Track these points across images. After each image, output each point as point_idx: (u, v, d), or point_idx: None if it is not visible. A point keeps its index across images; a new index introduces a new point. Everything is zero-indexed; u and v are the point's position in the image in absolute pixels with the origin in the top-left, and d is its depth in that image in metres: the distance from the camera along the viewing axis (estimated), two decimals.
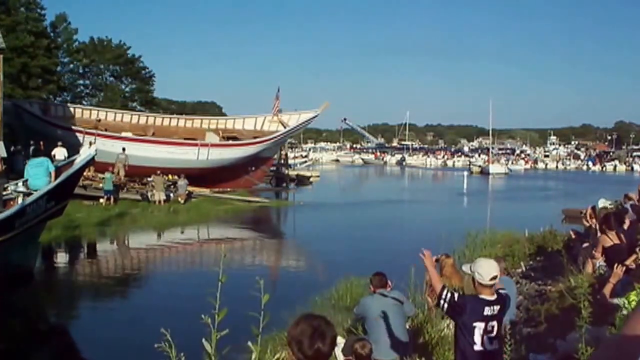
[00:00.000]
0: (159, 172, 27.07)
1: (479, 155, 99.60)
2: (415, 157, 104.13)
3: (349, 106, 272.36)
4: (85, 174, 20.56)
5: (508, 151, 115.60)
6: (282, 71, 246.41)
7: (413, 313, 7.06)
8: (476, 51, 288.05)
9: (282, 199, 35.99)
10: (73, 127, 30.13)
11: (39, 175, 13.92)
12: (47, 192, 13.37)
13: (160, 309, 11.42)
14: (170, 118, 38.42)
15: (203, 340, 2.99)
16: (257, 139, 35.26)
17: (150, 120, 36.41)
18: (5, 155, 23.67)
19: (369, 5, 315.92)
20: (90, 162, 15.79)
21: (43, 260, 15.90)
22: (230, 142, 35.03)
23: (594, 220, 10.38)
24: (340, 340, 5.99)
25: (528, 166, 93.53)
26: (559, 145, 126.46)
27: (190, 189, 28.47)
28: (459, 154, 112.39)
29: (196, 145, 32.36)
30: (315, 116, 38.24)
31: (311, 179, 47.77)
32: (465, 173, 65.05)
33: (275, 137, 35.81)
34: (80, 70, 53.14)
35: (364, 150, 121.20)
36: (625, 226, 9.15)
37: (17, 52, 36.06)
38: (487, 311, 4.46)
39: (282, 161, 43.97)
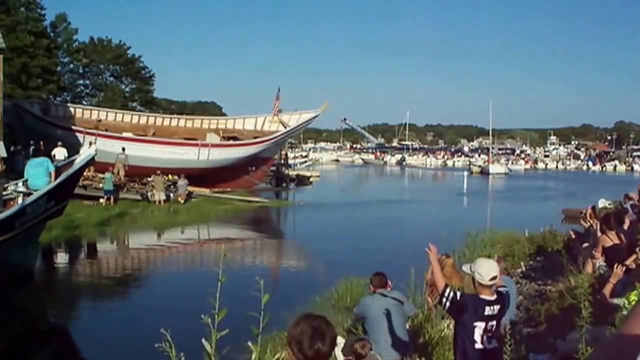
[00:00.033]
0: (159, 172, 27.07)
1: (479, 155, 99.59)
2: (415, 157, 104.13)
3: (349, 106, 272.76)
4: (85, 174, 20.56)
5: (508, 151, 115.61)
6: (282, 71, 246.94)
7: (413, 313, 7.07)
8: (476, 51, 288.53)
9: (282, 199, 35.99)
10: (73, 127, 30.12)
11: (39, 175, 13.92)
12: (47, 192, 13.37)
13: (160, 309, 11.41)
14: (171, 118, 38.40)
15: (203, 340, 2.99)
16: (258, 139, 35.26)
17: (150, 120, 36.40)
18: (5, 155, 23.67)
19: (369, 5, 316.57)
20: (90, 162, 15.79)
21: (43, 260, 15.90)
22: (231, 142, 35.03)
23: (594, 220, 10.39)
24: (340, 340, 5.99)
25: (528, 166, 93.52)
26: (559, 145, 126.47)
27: (190, 189, 28.47)
28: (459, 154, 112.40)
29: (197, 145, 32.35)
30: (316, 116, 38.24)
31: (311, 179, 47.77)
32: (465, 173, 65.05)
33: (275, 137, 35.80)
34: (80, 70, 53.12)
35: (364, 150, 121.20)
36: (625, 226, 9.16)
37: (17, 52, 36.05)
38: (488, 311, 4.48)
39: (282, 161, 43.98)
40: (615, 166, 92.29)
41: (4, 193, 13.90)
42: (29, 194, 13.53)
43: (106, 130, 31.59)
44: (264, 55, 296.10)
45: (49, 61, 41.09)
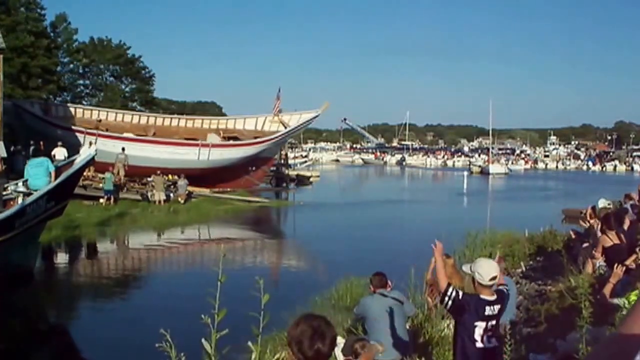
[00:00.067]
0: (159, 172, 27.08)
1: (479, 155, 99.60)
2: (415, 157, 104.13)
3: (349, 106, 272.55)
4: (85, 174, 20.56)
5: (508, 151, 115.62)
6: (282, 71, 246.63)
7: (413, 313, 7.06)
8: (476, 51, 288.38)
9: (282, 199, 35.99)
10: (74, 128, 30.12)
11: (39, 175, 13.92)
12: (47, 192, 13.37)
13: (160, 309, 11.42)
14: (171, 118, 38.39)
15: (203, 340, 2.99)
16: (258, 139, 35.25)
17: (151, 121, 36.39)
18: (5, 155, 23.67)
19: (369, 5, 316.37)
20: (90, 162, 15.79)
21: (43, 260, 15.90)
22: (231, 142, 35.03)
23: (594, 221, 10.39)
24: (340, 340, 5.98)
25: (528, 166, 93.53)
26: (559, 145, 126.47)
27: (190, 189, 28.48)
28: (459, 154, 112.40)
29: (197, 145, 32.36)
30: (316, 116, 38.23)
31: (311, 179, 47.77)
32: (465, 173, 65.05)
33: (276, 138, 35.79)
34: (80, 70, 53.12)
35: (364, 150, 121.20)
36: (625, 226, 9.16)
37: (17, 52, 36.04)
38: (488, 311, 4.49)
39: (282, 161, 43.98)
40: (615, 166, 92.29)
41: (4, 193, 13.90)
42: (29, 194, 13.53)
43: (106, 130, 31.58)
44: (264, 55, 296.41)
45: (49, 61, 41.08)
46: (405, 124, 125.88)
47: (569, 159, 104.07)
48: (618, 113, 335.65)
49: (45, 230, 15.05)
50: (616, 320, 5.56)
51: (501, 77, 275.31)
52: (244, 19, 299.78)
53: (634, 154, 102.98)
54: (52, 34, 46.02)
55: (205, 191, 30.14)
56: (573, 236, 12.04)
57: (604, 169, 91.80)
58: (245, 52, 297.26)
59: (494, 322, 4.55)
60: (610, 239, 8.41)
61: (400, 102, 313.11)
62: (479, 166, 76.40)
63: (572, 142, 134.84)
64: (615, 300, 6.33)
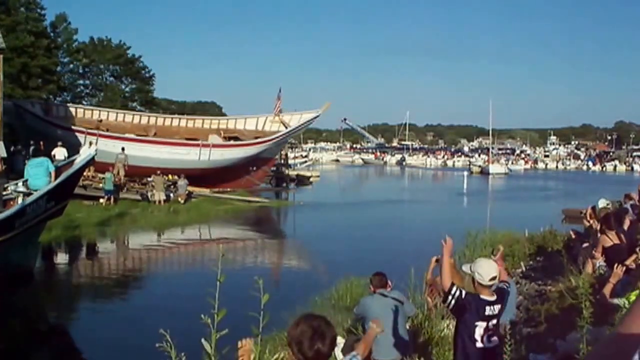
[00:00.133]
0: (159, 172, 27.08)
1: (479, 155, 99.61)
2: (415, 157, 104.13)
3: (349, 106, 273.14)
4: (85, 174, 20.56)
5: (508, 151, 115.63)
6: (282, 71, 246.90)
7: (413, 313, 7.06)
8: (476, 51, 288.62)
9: (282, 199, 36.00)
10: (75, 128, 30.12)
11: (39, 175, 13.92)
12: (47, 192, 13.37)
13: (160, 309, 11.42)
14: (172, 118, 38.39)
15: (202, 340, 2.99)
16: (259, 140, 35.25)
17: (151, 121, 36.38)
18: (5, 155, 23.67)
19: (369, 5, 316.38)
20: (90, 162, 15.80)
21: (43, 260, 15.90)
22: (232, 142, 35.03)
23: (594, 221, 10.39)
24: (340, 340, 5.99)
25: (528, 166, 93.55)
26: (559, 145, 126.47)
27: (190, 189, 28.48)
28: (459, 154, 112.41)
29: (198, 145, 32.37)
30: (317, 116, 38.23)
31: (311, 179, 47.78)
32: (465, 173, 65.04)
33: (276, 138, 35.80)
34: (80, 70, 53.10)
35: (364, 150, 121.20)
36: (625, 226, 9.16)
37: (17, 52, 36.03)
38: (488, 311, 4.50)
39: (283, 161, 43.98)
40: (615, 166, 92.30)
41: (4, 193, 13.90)
42: (29, 194, 13.54)
43: (107, 130, 31.58)
44: (264, 55, 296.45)
45: (49, 61, 41.07)
46: (405, 124, 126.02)
47: (569, 159, 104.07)
48: (618, 113, 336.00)
49: (45, 230, 15.05)
50: (616, 320, 5.56)
51: (501, 77, 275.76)
52: (244, 19, 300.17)
53: (634, 154, 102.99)
54: (52, 34, 46.00)
55: (205, 191, 30.14)
56: (573, 236, 12.03)
57: (604, 169, 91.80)
58: (245, 52, 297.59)
59: (494, 322, 4.56)
60: (610, 239, 8.41)
61: (400, 102, 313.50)
62: (479, 166, 76.40)
63: (572, 142, 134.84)
64: (615, 300, 6.33)
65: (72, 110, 33.96)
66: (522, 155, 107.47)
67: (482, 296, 4.52)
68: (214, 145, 33.08)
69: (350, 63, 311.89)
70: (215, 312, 3.01)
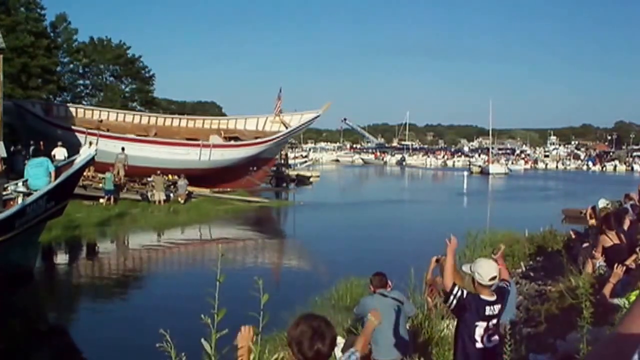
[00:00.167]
0: (159, 172, 27.08)
1: (479, 155, 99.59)
2: (415, 157, 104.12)
3: (349, 106, 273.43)
4: (85, 174, 20.56)
5: (508, 151, 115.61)
6: (282, 71, 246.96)
7: (413, 313, 7.06)
8: (476, 51, 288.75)
9: (282, 199, 36.00)
10: (75, 128, 30.11)
11: (39, 175, 13.92)
12: (47, 192, 13.38)
13: (160, 309, 11.42)
14: (172, 118, 38.36)
15: (202, 340, 2.98)
16: (259, 140, 35.26)
17: (152, 121, 36.36)
18: (5, 155, 23.67)
19: (369, 5, 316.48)
20: (90, 162, 15.80)
21: (43, 260, 15.90)
22: (232, 142, 35.03)
23: (593, 220, 10.40)
24: (340, 340, 5.99)
25: (528, 166, 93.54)
26: (559, 145, 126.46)
27: (190, 189, 28.48)
28: (459, 154, 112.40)
29: (198, 145, 32.37)
30: (317, 117, 38.23)
31: (311, 179, 47.78)
32: (465, 173, 65.01)
33: (277, 138, 35.80)
34: (80, 70, 53.08)
35: (364, 150, 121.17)
36: (625, 226, 9.16)
37: (17, 52, 36.03)
38: (488, 311, 4.50)
39: (283, 161, 43.97)
40: (615, 166, 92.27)
41: (4, 193, 13.90)
42: (29, 194, 13.54)
43: (108, 130, 31.57)
44: (264, 55, 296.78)
45: (49, 61, 41.07)
46: (405, 124, 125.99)
47: (569, 159, 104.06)
48: (618, 113, 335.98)
49: (45, 230, 15.05)
50: (616, 320, 5.56)
51: (501, 77, 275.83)
52: (244, 19, 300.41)
53: (634, 154, 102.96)
54: (52, 34, 46.00)
55: (205, 191, 30.14)
56: (573, 236, 12.05)
57: (604, 169, 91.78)
58: (245, 52, 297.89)
59: (494, 322, 4.57)
60: (610, 239, 8.41)
61: (400, 102, 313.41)
62: (479, 166, 76.39)
63: (572, 142, 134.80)
64: (616, 300, 6.33)
65: (73, 110, 33.95)
66: (522, 155, 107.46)
67: (482, 296, 4.53)
68: (215, 146, 33.07)
69: (350, 63, 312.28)
70: (215, 312, 3.01)
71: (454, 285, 4.55)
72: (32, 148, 26.07)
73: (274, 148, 36.83)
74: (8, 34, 32.83)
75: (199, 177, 30.12)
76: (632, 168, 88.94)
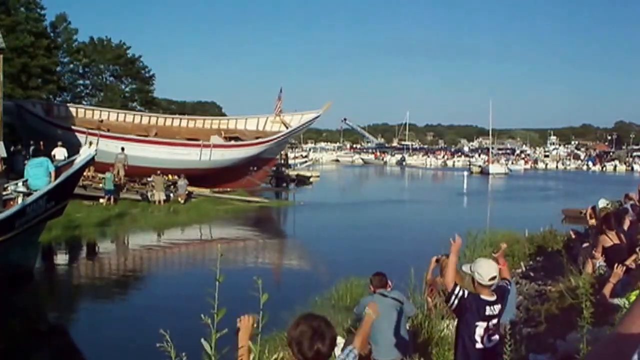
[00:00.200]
0: (159, 172, 27.08)
1: (479, 155, 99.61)
2: (415, 157, 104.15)
3: (349, 106, 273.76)
4: (85, 174, 20.56)
5: (508, 151, 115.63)
6: (282, 71, 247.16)
7: (413, 313, 7.06)
8: (476, 51, 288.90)
9: (282, 199, 36.01)
10: (76, 128, 30.10)
11: (39, 175, 13.92)
12: (47, 192, 13.37)
13: (160, 309, 11.42)
14: (173, 118, 38.35)
15: (202, 340, 2.98)
16: (260, 140, 35.26)
17: (152, 121, 36.36)
18: (5, 155, 23.67)
19: (369, 5, 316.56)
20: (90, 162, 15.80)
21: (43, 260, 15.90)
22: (233, 142, 35.03)
23: (593, 220, 10.40)
24: (340, 340, 5.98)
25: (528, 166, 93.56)
26: (559, 145, 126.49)
27: (190, 189, 28.48)
28: (459, 154, 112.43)
29: (199, 146, 32.37)
30: (317, 117, 38.24)
31: (311, 179, 47.78)
32: (465, 173, 65.01)
33: (277, 138, 35.80)
34: (80, 70, 53.11)
35: (364, 150, 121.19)
36: (625, 226, 9.16)
37: (17, 52, 36.04)
38: (488, 311, 4.50)
39: (283, 161, 43.97)
40: (615, 166, 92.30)
41: (4, 193, 13.90)
42: (29, 194, 13.54)
43: (108, 130, 31.56)
44: (264, 55, 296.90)
45: (49, 61, 41.07)
46: (405, 124, 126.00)
47: (569, 159, 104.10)
48: (618, 113, 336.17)
49: (45, 230, 15.05)
50: (616, 320, 5.56)
51: (501, 77, 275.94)
52: (244, 19, 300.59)
53: (634, 154, 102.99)
54: (52, 34, 46.02)
55: (205, 191, 30.14)
56: (573, 236, 12.05)
57: (604, 169, 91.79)
58: (245, 52, 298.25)
59: (494, 322, 4.57)
60: (610, 239, 8.41)
61: (400, 102, 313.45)
62: (479, 166, 76.39)
63: (572, 142, 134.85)
64: (616, 300, 6.33)
65: (73, 110, 33.93)
66: (522, 155, 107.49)
67: (482, 296, 4.53)
68: (215, 146, 33.07)
69: (350, 63, 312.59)
70: (215, 312, 3.01)
71: (456, 285, 4.55)
72: (32, 148, 26.05)
73: (274, 148, 36.83)
74: (8, 34, 32.84)
75: (199, 177, 30.12)
76: (632, 168, 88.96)
